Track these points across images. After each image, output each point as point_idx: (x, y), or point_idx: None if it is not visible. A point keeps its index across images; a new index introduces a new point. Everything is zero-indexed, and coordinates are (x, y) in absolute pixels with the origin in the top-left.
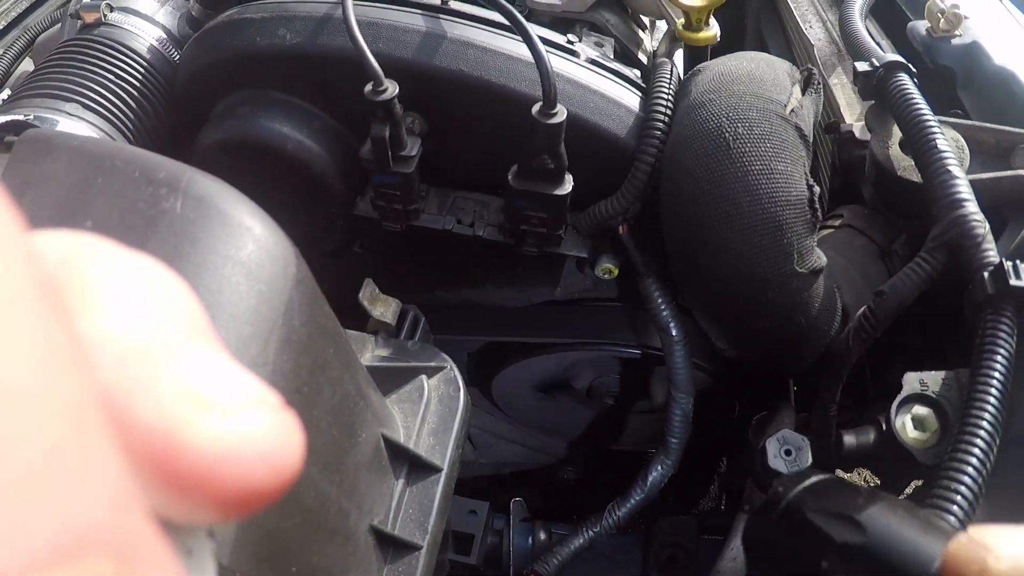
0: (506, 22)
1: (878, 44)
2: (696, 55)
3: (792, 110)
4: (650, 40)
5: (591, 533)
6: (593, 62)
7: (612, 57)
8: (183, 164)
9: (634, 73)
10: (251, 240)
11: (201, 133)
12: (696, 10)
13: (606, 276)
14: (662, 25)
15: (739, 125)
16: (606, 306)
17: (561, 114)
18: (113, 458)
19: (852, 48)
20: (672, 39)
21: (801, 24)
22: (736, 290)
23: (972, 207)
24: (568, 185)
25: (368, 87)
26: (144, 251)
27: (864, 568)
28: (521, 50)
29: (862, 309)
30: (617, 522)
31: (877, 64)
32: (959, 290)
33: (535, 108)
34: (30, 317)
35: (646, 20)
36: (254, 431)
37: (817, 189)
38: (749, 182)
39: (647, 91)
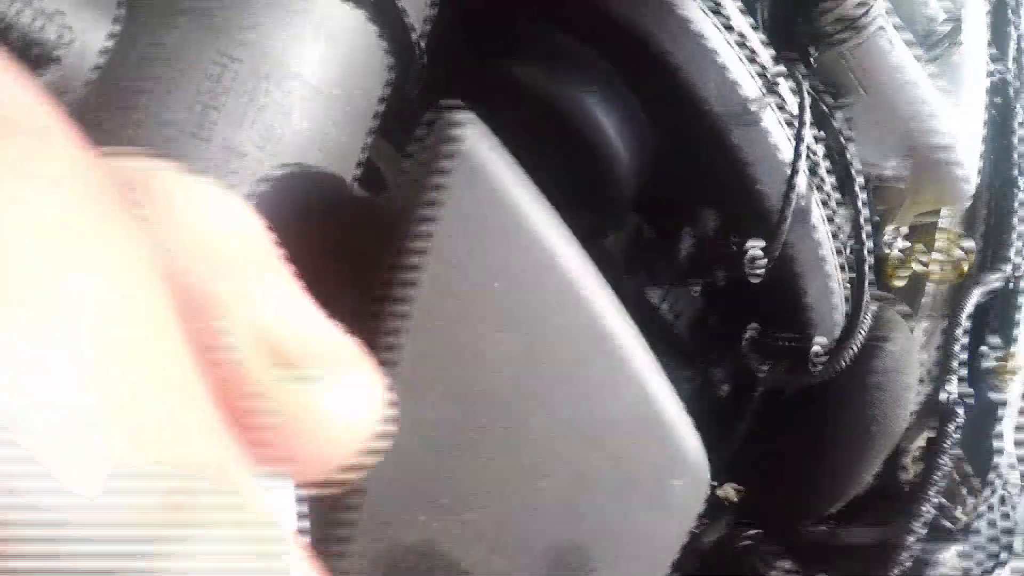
0: None
1: None
2: None
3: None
4: None
5: None
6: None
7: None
8: None
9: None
10: None
11: (514, 57)
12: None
13: None
14: None
15: (883, 425)
16: None
17: None
18: (206, 394)
19: (945, 361)
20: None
21: None
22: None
23: None
24: None
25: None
26: None
27: None
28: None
29: None
30: None
31: (952, 402)
32: None
33: None
34: (112, 229)
35: None
36: (337, 397)
37: None
38: (852, 467)
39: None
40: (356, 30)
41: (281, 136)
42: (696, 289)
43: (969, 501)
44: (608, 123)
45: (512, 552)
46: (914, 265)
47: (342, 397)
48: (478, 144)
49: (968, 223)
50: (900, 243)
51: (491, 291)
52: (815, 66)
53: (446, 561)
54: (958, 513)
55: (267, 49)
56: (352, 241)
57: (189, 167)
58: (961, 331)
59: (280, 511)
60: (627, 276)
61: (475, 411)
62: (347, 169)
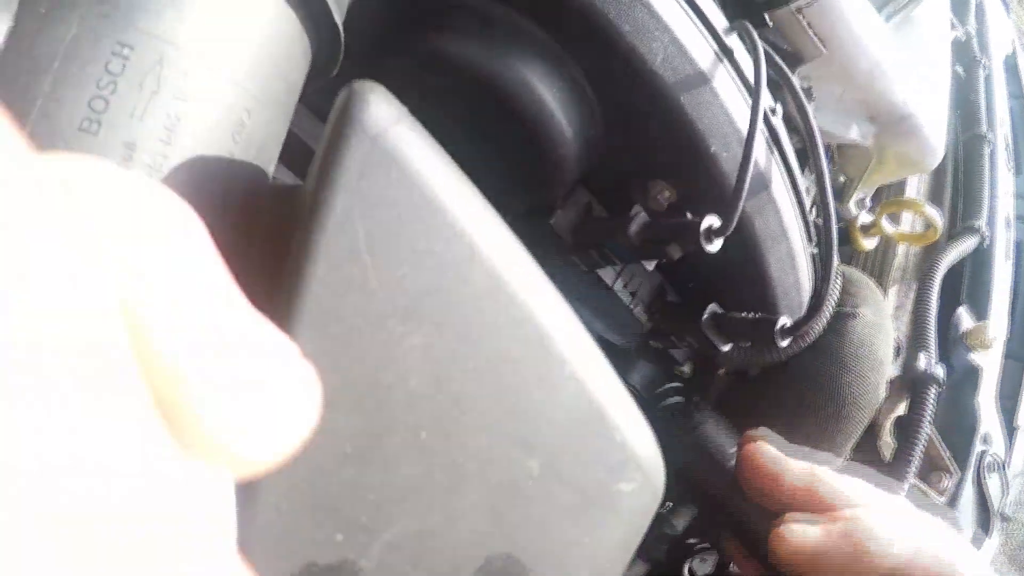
0: None
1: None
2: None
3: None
4: None
5: None
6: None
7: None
8: None
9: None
10: None
11: (445, 31)
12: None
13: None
14: None
15: (859, 399)
16: None
17: None
18: (145, 400)
19: (918, 330)
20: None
21: None
22: None
23: None
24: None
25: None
26: None
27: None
28: None
29: None
30: None
31: (927, 372)
32: None
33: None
34: (56, 249)
35: None
36: (274, 391)
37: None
38: (826, 445)
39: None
40: (269, 10)
41: (186, 128)
42: (651, 265)
43: (945, 478)
44: (550, 97)
45: (437, 570)
46: (882, 232)
47: (278, 391)
48: (382, 117)
49: (937, 181)
50: (866, 210)
51: (401, 283)
52: (770, 25)
53: None
54: (942, 485)
55: (161, 33)
56: (276, 232)
57: None
58: (935, 297)
59: (221, 512)
60: (578, 255)
61: (389, 417)
62: (266, 157)
